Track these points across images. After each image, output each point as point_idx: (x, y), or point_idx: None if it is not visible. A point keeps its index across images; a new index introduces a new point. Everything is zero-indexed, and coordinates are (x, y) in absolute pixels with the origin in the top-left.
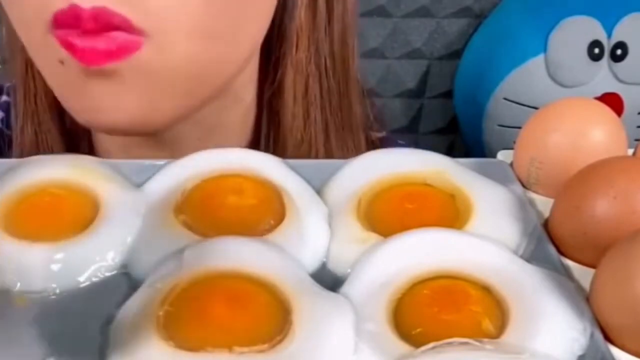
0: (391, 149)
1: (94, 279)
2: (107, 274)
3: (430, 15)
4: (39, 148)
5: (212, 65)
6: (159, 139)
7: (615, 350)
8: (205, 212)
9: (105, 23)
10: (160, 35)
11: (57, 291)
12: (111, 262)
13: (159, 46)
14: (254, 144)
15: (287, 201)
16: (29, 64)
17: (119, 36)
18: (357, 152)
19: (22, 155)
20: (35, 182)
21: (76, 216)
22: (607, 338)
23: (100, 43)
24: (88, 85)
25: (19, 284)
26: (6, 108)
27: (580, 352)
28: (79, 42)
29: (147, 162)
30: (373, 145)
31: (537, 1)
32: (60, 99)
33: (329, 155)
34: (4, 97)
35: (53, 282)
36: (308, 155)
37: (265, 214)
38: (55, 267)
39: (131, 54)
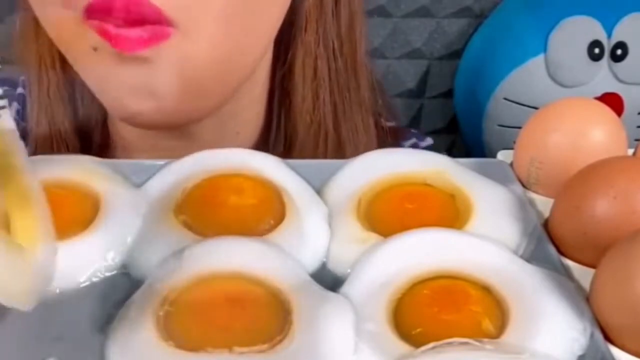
0: (391, 149)
1: (94, 279)
2: (107, 274)
3: (430, 15)
4: (52, 140)
5: (236, 52)
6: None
7: (615, 350)
8: (205, 212)
9: (136, 14)
10: (188, 24)
11: (57, 291)
12: (111, 262)
13: (185, 34)
14: (266, 128)
15: (287, 201)
16: (42, 58)
17: (150, 28)
18: (367, 135)
19: (36, 147)
20: None
21: (76, 216)
22: (607, 338)
23: (132, 32)
24: (121, 71)
25: None
26: (22, 100)
27: (580, 352)
28: (113, 29)
29: (147, 162)
30: (384, 132)
31: (537, 1)
32: (93, 88)
33: (338, 137)
34: (20, 90)
35: (53, 282)
36: (318, 137)
37: (265, 214)
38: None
39: (162, 41)
